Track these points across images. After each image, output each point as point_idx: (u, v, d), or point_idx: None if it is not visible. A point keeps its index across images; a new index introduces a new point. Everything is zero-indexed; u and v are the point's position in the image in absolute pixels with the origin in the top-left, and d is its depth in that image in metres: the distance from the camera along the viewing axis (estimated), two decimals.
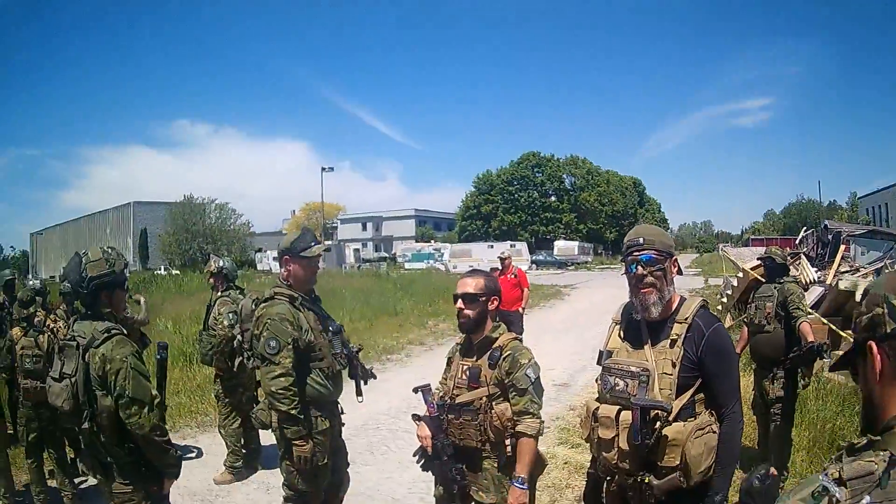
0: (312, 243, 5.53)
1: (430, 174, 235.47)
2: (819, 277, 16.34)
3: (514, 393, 4.17)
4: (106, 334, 4.15)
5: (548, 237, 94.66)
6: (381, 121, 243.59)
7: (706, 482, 3.41)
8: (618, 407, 3.53)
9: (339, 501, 5.80)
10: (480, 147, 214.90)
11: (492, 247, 63.01)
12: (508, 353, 4.24)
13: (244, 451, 8.44)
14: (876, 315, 1.73)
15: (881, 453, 1.56)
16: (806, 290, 13.84)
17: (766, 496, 2.23)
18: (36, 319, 7.62)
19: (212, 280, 8.87)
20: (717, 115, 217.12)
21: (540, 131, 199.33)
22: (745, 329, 8.08)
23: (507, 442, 4.18)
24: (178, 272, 59.57)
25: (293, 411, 5.03)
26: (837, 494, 1.54)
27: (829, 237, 21.61)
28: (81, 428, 4.22)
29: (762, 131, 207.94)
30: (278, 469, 5.53)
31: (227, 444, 8.43)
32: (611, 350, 3.76)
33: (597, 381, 3.82)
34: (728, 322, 15.99)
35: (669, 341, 3.53)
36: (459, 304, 4.37)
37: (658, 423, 3.35)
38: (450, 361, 4.63)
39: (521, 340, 4.51)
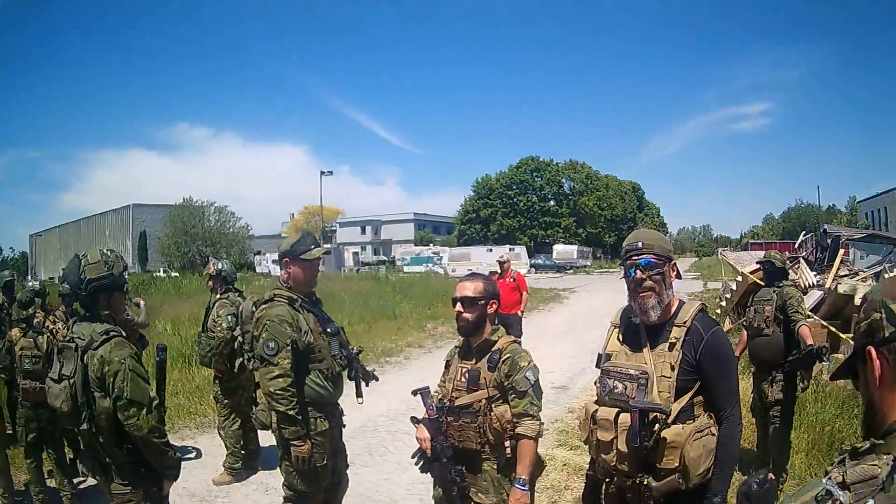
0: (312, 246, 5.55)
1: (429, 178, 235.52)
2: (818, 281, 16.38)
3: (513, 395, 4.17)
4: (104, 336, 4.16)
5: (547, 241, 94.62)
6: (381, 125, 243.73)
7: (705, 484, 3.41)
8: (617, 409, 3.53)
9: (337, 502, 5.80)
10: (480, 151, 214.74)
11: (491, 250, 62.86)
12: (508, 355, 4.24)
13: (243, 452, 8.45)
14: (874, 320, 1.74)
15: (884, 457, 1.56)
16: (805, 293, 13.85)
17: (763, 500, 2.24)
18: (35, 321, 7.64)
19: (210, 283, 8.89)
20: (717, 120, 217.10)
21: (539, 136, 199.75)
22: (744, 332, 8.11)
23: (507, 444, 4.19)
24: (177, 274, 59.55)
25: (291, 412, 5.05)
26: (841, 498, 1.54)
27: (829, 241, 21.66)
28: (80, 429, 4.23)
29: (762, 136, 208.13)
30: (277, 470, 5.55)
31: (226, 445, 8.44)
32: (609, 353, 3.77)
33: (596, 383, 3.82)
34: (727, 325, 16.00)
35: (668, 345, 3.53)
36: (458, 307, 4.38)
37: (657, 426, 3.35)
38: (448, 364, 4.64)
39: (519, 343, 4.52)
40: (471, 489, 4.25)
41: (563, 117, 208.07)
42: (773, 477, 2.35)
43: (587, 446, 3.87)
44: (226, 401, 8.49)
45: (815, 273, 17.48)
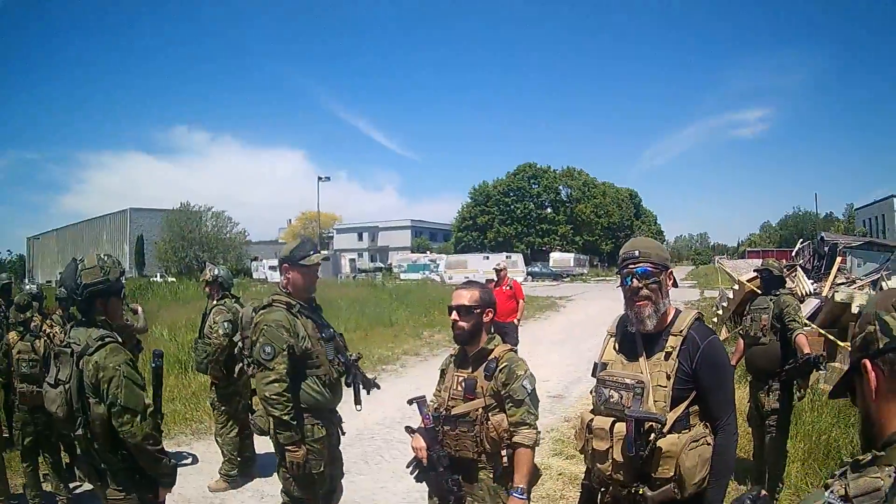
0: (311, 252, 5.57)
1: (426, 185, 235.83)
2: (815, 289, 16.35)
3: (510, 404, 4.17)
4: (100, 342, 4.14)
5: (544, 249, 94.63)
6: (379, 131, 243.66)
7: (700, 494, 3.41)
8: (612, 419, 3.52)
9: None
10: (477, 158, 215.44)
11: (487, 258, 63.00)
12: (504, 364, 4.24)
13: (239, 459, 8.44)
14: (868, 333, 1.75)
15: (886, 469, 1.55)
16: (802, 302, 13.86)
17: None
18: (32, 324, 7.64)
19: (207, 289, 8.88)
20: (715, 127, 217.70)
21: (536, 143, 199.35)
22: (741, 341, 8.09)
23: (504, 453, 4.18)
24: (173, 279, 59.46)
25: (286, 417, 5.06)
26: None
27: (826, 249, 21.59)
28: (76, 434, 4.22)
29: (759, 143, 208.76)
30: (273, 477, 5.57)
31: (223, 452, 8.44)
32: (606, 362, 3.76)
33: (591, 392, 3.82)
34: (724, 334, 16.02)
35: (664, 354, 3.53)
36: (454, 315, 4.38)
37: (652, 435, 3.35)
38: (443, 373, 4.62)
39: (515, 352, 4.51)
40: (467, 498, 4.24)
41: (561, 124, 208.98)
42: (767, 493, 2.35)
43: (583, 456, 3.85)
44: (223, 407, 8.48)
45: (812, 281, 17.44)
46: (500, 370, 4.22)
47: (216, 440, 8.61)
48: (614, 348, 3.78)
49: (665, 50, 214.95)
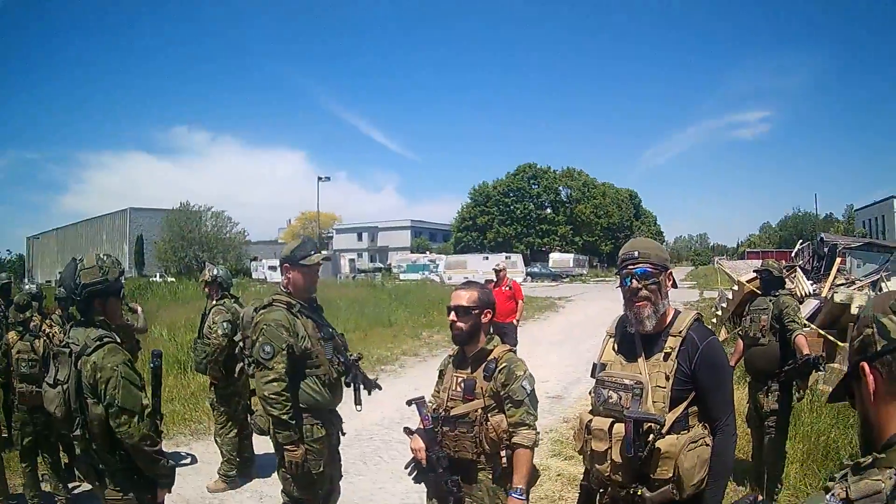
0: (312, 252, 5.58)
1: (426, 185, 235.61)
2: (814, 290, 16.35)
3: (509, 404, 4.18)
4: (98, 342, 4.14)
5: (543, 249, 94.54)
6: (379, 131, 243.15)
7: (699, 495, 3.41)
8: (611, 419, 3.52)
9: None
10: (477, 159, 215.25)
11: (487, 258, 62.95)
12: (504, 364, 4.24)
13: (238, 459, 8.44)
14: (866, 336, 1.75)
15: (887, 471, 1.55)
16: (801, 302, 13.86)
17: None
18: (32, 324, 7.64)
19: (206, 289, 8.88)
20: (715, 128, 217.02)
21: (537, 143, 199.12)
22: (740, 342, 8.09)
23: (503, 453, 4.19)
24: (173, 279, 59.43)
25: (284, 416, 5.07)
26: None
27: (825, 250, 21.62)
28: (74, 434, 4.22)
29: (760, 143, 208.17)
30: (272, 478, 5.57)
31: (222, 452, 8.44)
32: (605, 363, 3.76)
33: (590, 393, 3.81)
34: (723, 335, 16.02)
35: (663, 354, 3.53)
36: (452, 316, 4.38)
37: (651, 436, 3.35)
38: (442, 373, 4.63)
39: (514, 352, 4.51)
40: (466, 499, 4.24)
41: (561, 125, 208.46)
42: (764, 498, 2.36)
43: (581, 456, 3.85)
44: (222, 408, 8.48)
45: (811, 282, 17.45)
46: (500, 371, 4.22)
47: (215, 440, 8.61)
48: (613, 349, 3.78)
49: (665, 50, 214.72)
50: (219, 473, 8.37)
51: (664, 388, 3.45)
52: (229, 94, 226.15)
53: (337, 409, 5.67)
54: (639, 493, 3.44)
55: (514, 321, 14.60)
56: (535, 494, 6.95)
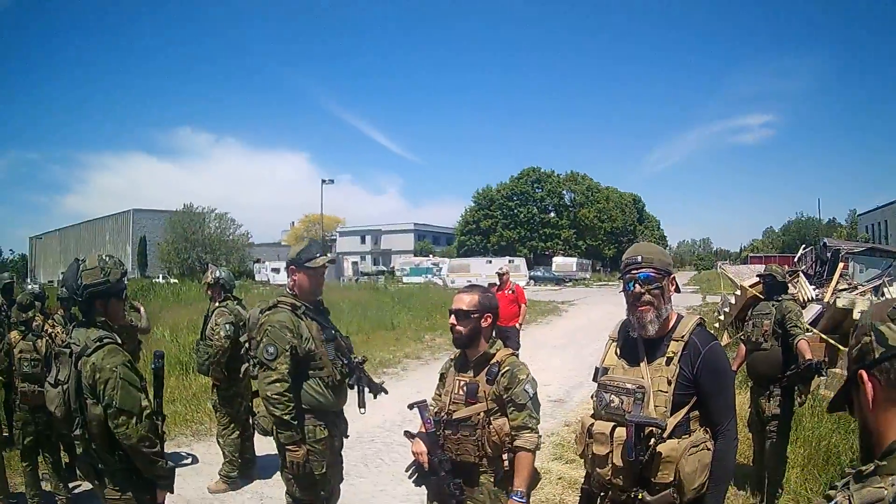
0: (318, 254, 5.58)
1: (430, 188, 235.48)
2: (817, 295, 16.35)
3: (512, 408, 4.17)
4: (98, 343, 4.14)
5: (546, 253, 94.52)
6: (383, 134, 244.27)
7: (699, 499, 3.41)
8: (613, 423, 3.52)
9: None
10: (480, 162, 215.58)
11: (490, 262, 62.88)
12: (507, 368, 4.24)
13: (240, 461, 8.44)
14: (864, 344, 1.76)
15: (889, 478, 1.55)
16: (804, 307, 13.84)
17: None
18: (34, 324, 7.65)
19: (209, 291, 8.88)
20: (718, 132, 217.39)
21: (540, 147, 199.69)
22: (742, 346, 8.08)
23: (505, 457, 4.19)
24: (176, 281, 59.53)
25: (287, 416, 5.09)
26: None
27: (828, 255, 21.61)
28: (74, 434, 4.23)
29: (763, 148, 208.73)
30: (273, 479, 5.57)
31: (224, 453, 8.44)
32: (607, 367, 3.76)
33: (592, 397, 3.82)
34: (725, 339, 16.01)
35: (665, 359, 3.53)
36: (452, 319, 4.38)
37: (652, 440, 3.35)
38: (443, 377, 4.63)
39: (517, 356, 4.51)
40: (467, 502, 4.24)
41: (565, 129, 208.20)
42: (764, 502, 2.35)
43: (583, 460, 3.85)
44: (225, 409, 8.48)
45: (814, 287, 17.45)
46: (503, 374, 4.21)
47: (218, 441, 8.62)
48: (616, 353, 3.78)
49: (669, 54, 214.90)
50: (220, 474, 8.38)
51: (666, 392, 3.45)
52: (232, 96, 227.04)
53: (343, 411, 5.68)
54: (640, 496, 3.44)
55: (517, 325, 14.56)
56: (535, 497, 6.95)
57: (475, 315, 4.33)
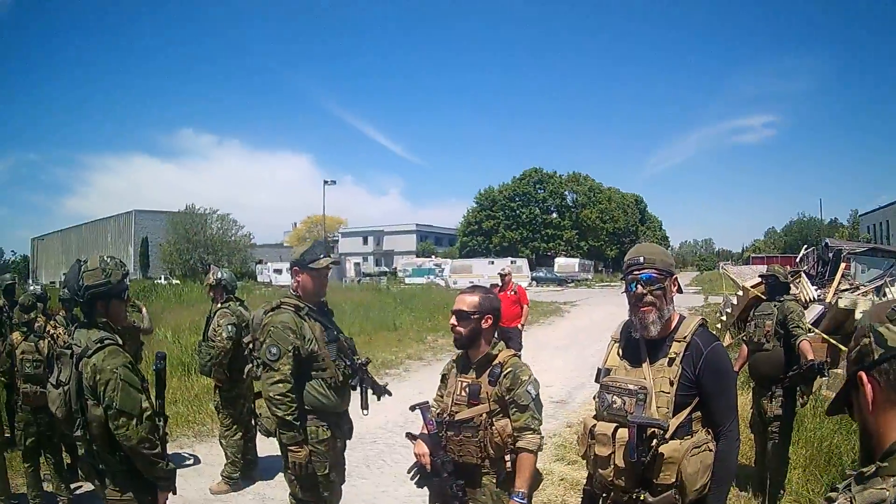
0: (321, 255, 5.60)
1: (432, 189, 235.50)
2: (819, 296, 16.33)
3: (514, 409, 4.17)
4: (99, 344, 4.14)
5: (548, 254, 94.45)
6: (385, 135, 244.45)
7: (702, 500, 3.41)
8: (615, 424, 3.52)
9: None
10: (482, 163, 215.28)
11: (492, 263, 62.73)
12: (509, 369, 4.24)
13: (242, 462, 8.44)
14: (863, 346, 1.76)
15: (890, 479, 1.55)
16: (805, 308, 13.83)
17: None
18: (36, 325, 7.65)
19: (211, 292, 8.89)
20: (720, 133, 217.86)
21: (542, 148, 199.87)
22: (744, 347, 8.07)
23: (507, 458, 4.18)
24: (178, 282, 59.53)
25: (289, 417, 5.11)
26: None
27: (830, 255, 21.59)
28: (75, 434, 4.23)
29: (765, 148, 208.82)
30: (275, 481, 5.56)
31: (226, 454, 8.44)
32: (609, 368, 3.76)
33: (594, 398, 3.81)
34: (727, 340, 16.00)
35: (668, 360, 3.53)
36: (452, 320, 4.39)
37: (654, 441, 3.35)
38: (444, 377, 4.62)
39: (519, 357, 4.51)
40: (469, 503, 4.24)
41: (567, 129, 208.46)
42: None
43: (585, 461, 3.86)
44: (227, 411, 8.49)
45: (816, 287, 17.42)
46: (505, 375, 4.21)
47: (220, 443, 8.62)
48: (618, 354, 3.78)
49: (670, 55, 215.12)
50: (222, 475, 8.37)
51: (668, 393, 3.45)
52: (234, 98, 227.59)
53: (348, 413, 5.70)
54: (641, 497, 3.44)
55: (519, 326, 14.57)
56: (537, 499, 6.97)
57: (475, 316, 4.32)
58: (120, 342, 4.30)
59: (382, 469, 9.12)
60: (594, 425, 3.65)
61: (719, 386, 3.50)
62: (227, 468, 8.38)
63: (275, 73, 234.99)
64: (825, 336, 11.75)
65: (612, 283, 70.87)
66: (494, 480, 4.22)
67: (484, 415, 4.19)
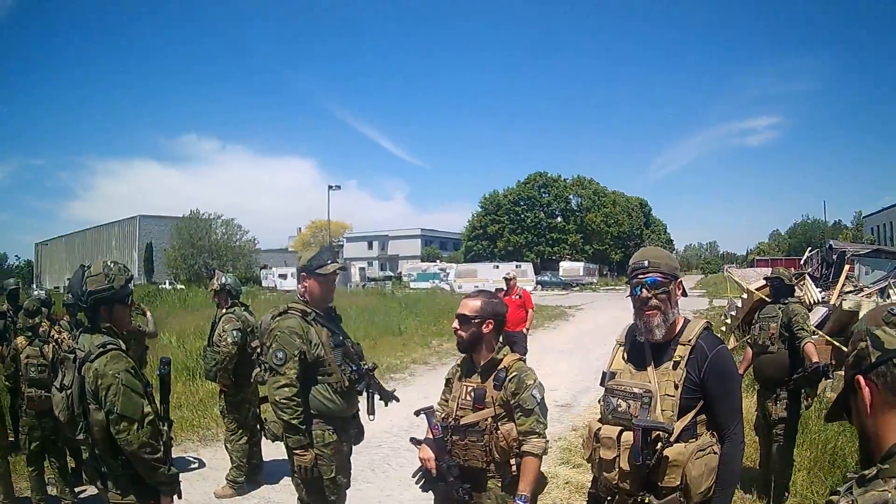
0: (328, 261, 5.63)
1: (436, 194, 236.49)
2: (823, 298, 16.31)
3: (519, 413, 4.16)
4: (101, 349, 4.16)
5: (553, 258, 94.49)
6: (389, 139, 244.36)
7: (706, 503, 3.41)
8: (620, 428, 3.53)
9: None
10: (487, 167, 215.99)
11: (497, 267, 62.86)
12: (514, 373, 4.23)
13: (247, 466, 8.44)
14: (860, 350, 1.77)
15: (892, 481, 1.55)
16: (810, 310, 13.82)
17: None
18: (41, 330, 7.67)
19: (215, 298, 8.89)
20: (724, 135, 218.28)
21: (547, 151, 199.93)
22: (749, 350, 8.06)
23: (512, 462, 4.18)
24: (182, 287, 59.61)
25: (295, 421, 5.14)
26: None
27: (834, 257, 21.58)
28: (77, 438, 4.24)
29: (769, 150, 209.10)
30: (279, 485, 5.55)
31: (231, 458, 8.44)
32: (614, 371, 3.76)
33: (599, 401, 3.83)
34: (732, 343, 15.98)
35: (672, 363, 3.53)
36: (455, 323, 4.39)
37: (659, 444, 3.35)
38: (449, 382, 4.62)
39: (524, 361, 4.51)
40: None
41: (571, 133, 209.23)
42: None
43: (590, 464, 3.86)
44: (233, 415, 8.49)
45: (820, 289, 17.39)
46: (510, 380, 4.21)
47: (225, 447, 8.61)
48: (623, 358, 3.78)
49: (674, 58, 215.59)
50: (227, 479, 8.37)
51: (673, 396, 3.45)
52: (238, 104, 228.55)
53: (358, 417, 5.74)
54: (646, 501, 3.44)
55: (524, 330, 14.49)
56: (542, 502, 6.96)
57: (476, 320, 4.32)
58: (123, 347, 4.31)
59: (387, 473, 9.11)
60: (599, 428, 3.65)
61: (724, 389, 3.50)
62: (232, 472, 8.38)
63: (279, 77, 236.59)
64: (829, 338, 11.73)
65: (617, 287, 70.95)
66: (500, 484, 4.21)
67: (489, 419, 4.18)
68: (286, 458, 5.48)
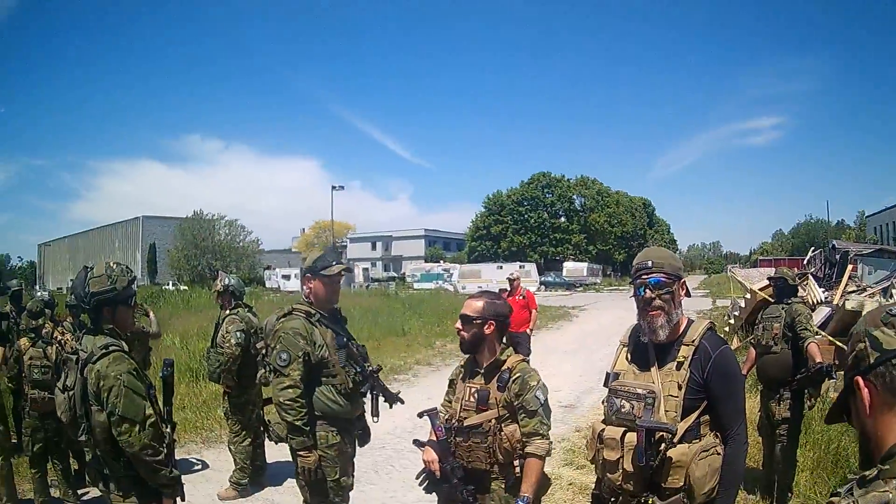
0: (333, 263, 5.63)
1: (440, 194, 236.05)
2: (826, 298, 16.31)
3: (523, 415, 4.17)
4: (103, 350, 4.15)
5: (557, 258, 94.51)
6: (393, 139, 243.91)
7: (710, 503, 3.41)
8: (623, 428, 3.53)
9: None
10: (491, 167, 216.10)
11: (501, 267, 62.81)
12: (518, 375, 4.23)
13: (250, 468, 8.44)
14: (859, 351, 1.77)
15: (892, 481, 1.56)
16: (813, 310, 13.81)
17: None
18: (44, 331, 7.67)
19: (219, 299, 8.88)
20: (727, 135, 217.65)
21: (550, 152, 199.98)
22: (752, 350, 8.06)
23: (516, 463, 4.18)
24: (185, 288, 59.56)
25: (298, 422, 5.13)
26: None
27: (837, 257, 21.59)
28: (80, 440, 4.24)
29: (772, 150, 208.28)
30: (283, 486, 5.55)
31: (235, 460, 8.44)
32: (618, 372, 3.77)
33: (603, 402, 3.83)
34: (735, 343, 15.96)
35: (676, 364, 3.54)
36: (458, 324, 4.40)
37: (663, 445, 3.35)
38: (452, 383, 4.62)
39: (527, 362, 4.51)
40: None
41: (574, 133, 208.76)
42: None
43: (593, 465, 3.86)
44: (236, 417, 8.49)
45: (823, 289, 17.40)
46: (513, 381, 4.21)
47: (229, 448, 8.62)
48: (626, 358, 3.79)
49: (677, 58, 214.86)
50: (230, 481, 8.37)
51: (676, 397, 3.45)
52: (241, 104, 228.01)
53: (365, 419, 5.75)
54: (650, 501, 3.44)
55: (528, 330, 14.51)
56: (546, 503, 6.95)
57: (478, 321, 4.32)
58: (125, 348, 4.31)
59: (391, 474, 9.11)
60: (603, 429, 3.66)
61: (727, 389, 3.50)
62: (235, 474, 8.38)
63: (281, 78, 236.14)
64: (832, 339, 11.73)
65: (621, 287, 70.84)
66: (503, 486, 4.22)
67: (493, 420, 4.19)
68: (290, 459, 5.48)
